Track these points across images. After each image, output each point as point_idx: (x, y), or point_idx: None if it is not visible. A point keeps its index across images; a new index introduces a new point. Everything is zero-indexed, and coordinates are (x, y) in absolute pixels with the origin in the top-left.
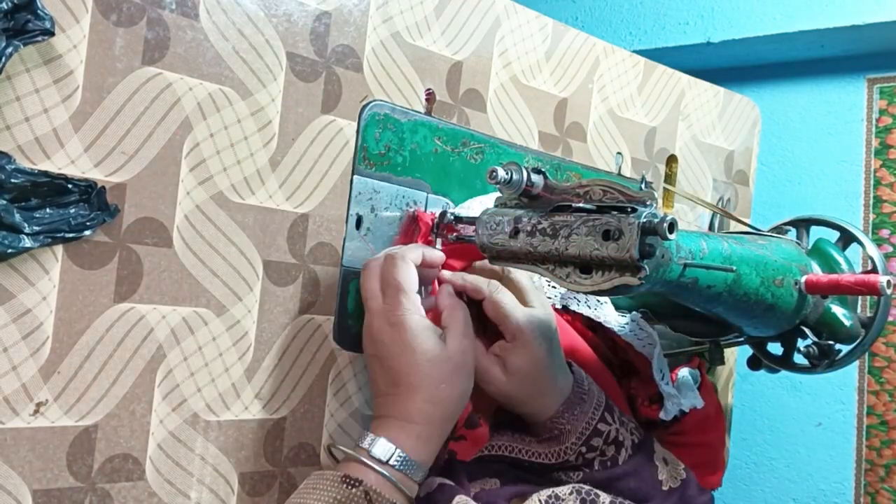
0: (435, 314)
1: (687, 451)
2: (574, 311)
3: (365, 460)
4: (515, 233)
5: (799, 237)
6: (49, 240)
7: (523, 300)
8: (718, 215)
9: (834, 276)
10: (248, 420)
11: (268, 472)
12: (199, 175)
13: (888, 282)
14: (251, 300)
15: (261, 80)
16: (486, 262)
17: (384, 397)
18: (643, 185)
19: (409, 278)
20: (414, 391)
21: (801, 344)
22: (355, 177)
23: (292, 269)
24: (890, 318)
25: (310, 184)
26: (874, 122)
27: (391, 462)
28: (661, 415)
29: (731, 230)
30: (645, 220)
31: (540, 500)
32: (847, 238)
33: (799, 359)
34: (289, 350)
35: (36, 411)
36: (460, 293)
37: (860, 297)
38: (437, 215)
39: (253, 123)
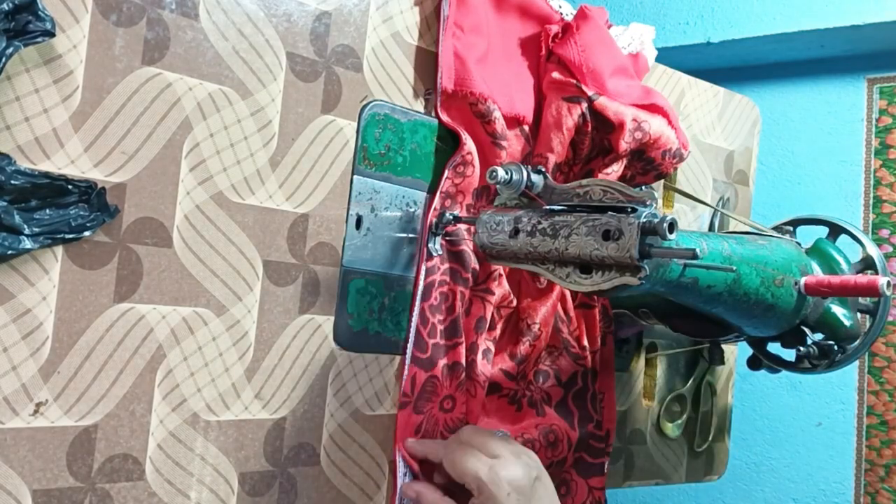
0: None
1: None
2: None
3: None
4: (515, 233)
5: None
6: (49, 241)
7: (489, 451)
8: (718, 215)
9: (834, 277)
10: (248, 420)
11: (268, 472)
12: (199, 175)
13: (888, 282)
14: (251, 300)
15: (261, 80)
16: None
17: None
18: (643, 185)
19: None
20: None
21: (801, 344)
22: (355, 177)
23: (292, 269)
24: (890, 318)
25: (310, 184)
26: (874, 122)
27: None
28: None
29: (732, 230)
30: (645, 220)
31: None
32: (835, 231)
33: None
34: (289, 350)
35: (36, 411)
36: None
37: (860, 298)
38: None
39: (253, 123)
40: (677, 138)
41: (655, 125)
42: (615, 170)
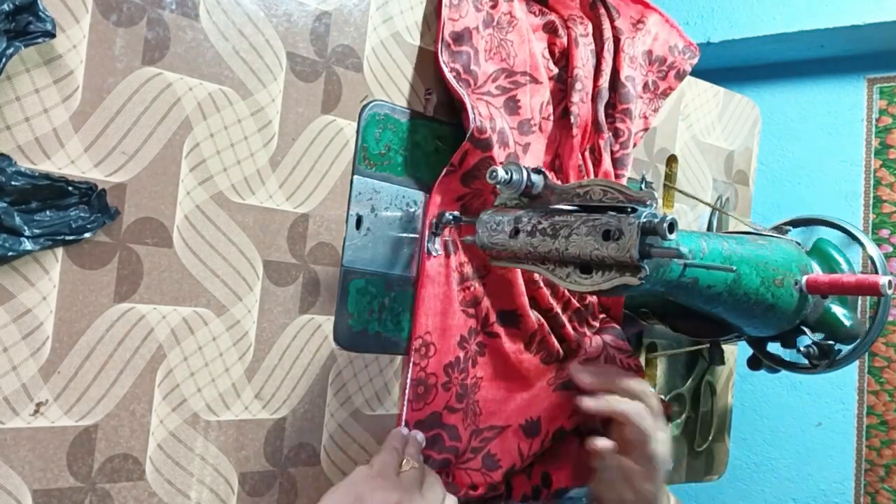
0: None
1: None
2: None
3: None
4: (515, 233)
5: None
6: (49, 242)
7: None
8: (717, 215)
9: (835, 276)
10: (248, 420)
11: (268, 472)
12: (199, 175)
13: (889, 282)
14: (251, 300)
15: (261, 80)
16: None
17: None
18: (643, 185)
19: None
20: None
21: (800, 344)
22: (355, 177)
23: (292, 269)
24: (890, 318)
25: (310, 184)
26: (874, 122)
27: None
28: None
29: (731, 230)
30: (645, 220)
31: None
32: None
33: (799, 358)
34: (289, 350)
35: (36, 411)
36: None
37: (860, 298)
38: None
39: (253, 123)
40: (680, 36)
41: (651, 21)
42: (635, 74)
